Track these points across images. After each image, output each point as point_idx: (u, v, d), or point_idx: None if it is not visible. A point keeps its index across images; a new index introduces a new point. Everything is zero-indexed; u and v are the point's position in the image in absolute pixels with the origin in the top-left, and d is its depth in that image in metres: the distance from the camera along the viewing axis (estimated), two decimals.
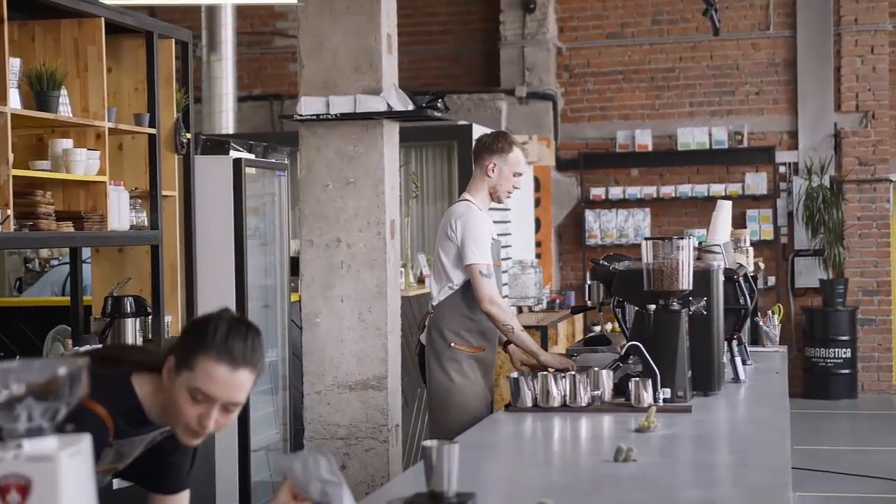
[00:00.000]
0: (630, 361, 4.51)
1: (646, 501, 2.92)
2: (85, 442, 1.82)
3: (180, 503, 2.96)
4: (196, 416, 2.58)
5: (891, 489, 8.31)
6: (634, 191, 12.93)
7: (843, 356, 12.31)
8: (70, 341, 5.47)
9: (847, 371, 12.35)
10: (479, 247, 5.13)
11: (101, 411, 2.60)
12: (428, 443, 2.75)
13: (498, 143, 5.33)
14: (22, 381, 1.78)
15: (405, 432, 7.05)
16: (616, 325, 12.00)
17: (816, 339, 12.37)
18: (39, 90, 4.87)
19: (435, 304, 5.34)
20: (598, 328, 12.04)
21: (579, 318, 11.36)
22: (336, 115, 5.78)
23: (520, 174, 5.35)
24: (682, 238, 4.46)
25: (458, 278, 5.21)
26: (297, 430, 6.62)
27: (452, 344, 5.23)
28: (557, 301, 10.93)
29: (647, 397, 4.21)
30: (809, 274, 12.66)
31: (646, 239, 4.52)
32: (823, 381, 12.33)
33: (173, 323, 5.90)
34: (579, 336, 10.48)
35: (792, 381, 12.42)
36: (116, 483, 4.60)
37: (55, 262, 8.63)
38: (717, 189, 12.66)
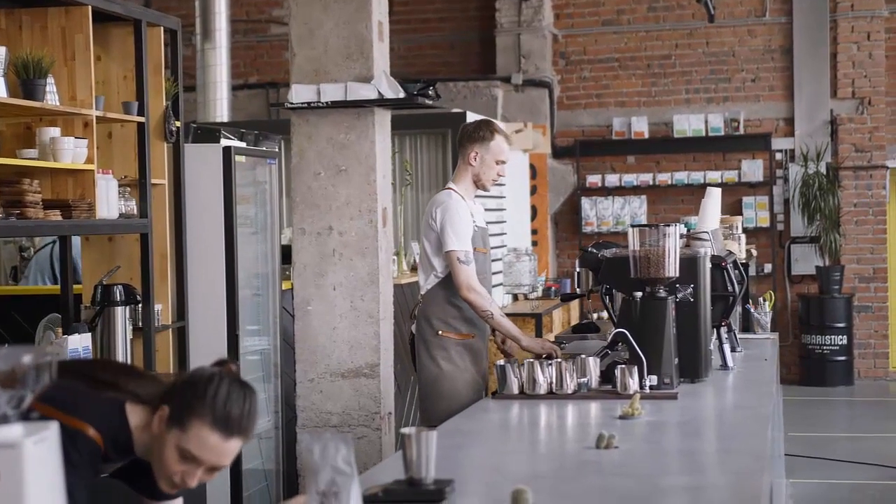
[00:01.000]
0: (618, 348, 4.51)
1: (624, 488, 2.93)
2: (51, 429, 1.82)
3: None
4: (180, 472, 2.61)
5: (886, 476, 8.32)
6: (631, 178, 12.92)
7: (840, 343, 12.32)
8: (60, 329, 5.47)
9: (843, 358, 12.36)
10: (458, 234, 5.15)
11: (93, 434, 2.61)
12: (406, 430, 2.76)
13: (479, 131, 5.33)
14: None
15: (398, 420, 7.05)
16: (606, 312, 12.02)
17: (813, 325, 12.38)
18: (26, 78, 4.86)
19: (422, 293, 5.36)
20: (594, 316, 12.06)
21: (575, 305, 11.37)
22: (327, 102, 5.78)
23: (503, 162, 5.34)
24: (669, 225, 4.46)
25: (441, 267, 5.22)
26: (290, 418, 6.62)
27: (440, 332, 5.24)
28: (553, 289, 10.93)
29: (633, 384, 4.22)
30: (806, 261, 12.66)
31: (632, 226, 4.52)
32: (820, 368, 12.34)
33: (163, 311, 5.90)
34: (574, 323, 10.48)
35: (788, 367, 12.50)
36: None
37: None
38: (714, 176, 12.65)
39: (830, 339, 12.32)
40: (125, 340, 5.51)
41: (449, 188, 5.35)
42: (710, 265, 4.82)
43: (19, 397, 1.79)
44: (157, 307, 5.80)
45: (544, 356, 4.97)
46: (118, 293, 5.49)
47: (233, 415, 2.58)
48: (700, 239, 5.15)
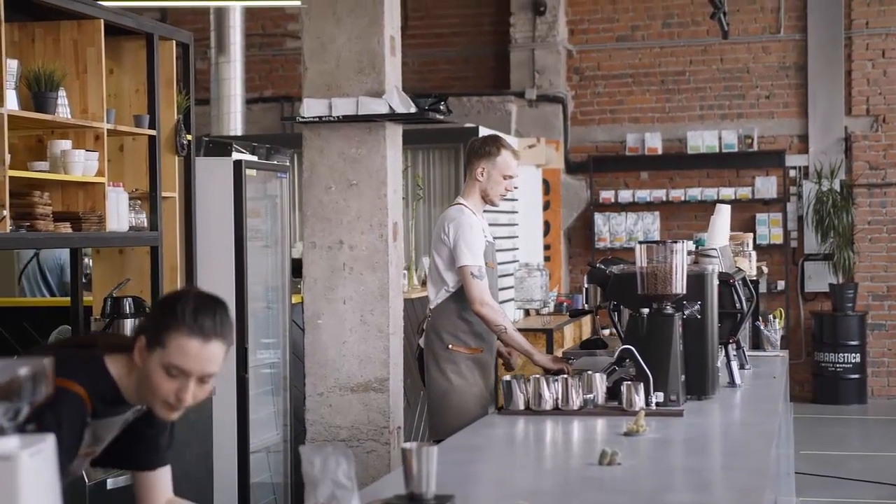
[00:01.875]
0: (625, 365, 4.50)
1: None
2: (47, 442, 1.83)
3: (161, 480, 3.00)
4: (173, 390, 2.67)
5: (892, 494, 8.28)
6: (644, 194, 12.91)
7: (853, 361, 12.27)
8: None
9: (856, 376, 12.31)
10: (471, 249, 5.17)
11: (79, 390, 2.67)
12: (407, 445, 2.76)
13: (486, 146, 5.37)
14: None
15: (407, 434, 7.05)
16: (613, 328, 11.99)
17: (826, 343, 12.33)
18: (37, 91, 4.89)
19: (432, 307, 5.38)
20: (606, 332, 12.03)
21: (587, 321, 11.35)
22: (339, 117, 5.80)
23: (510, 177, 5.37)
24: (677, 242, 4.46)
25: (452, 281, 5.24)
26: (299, 431, 6.63)
27: (450, 346, 5.26)
28: (565, 304, 10.92)
29: (639, 401, 4.21)
30: (819, 278, 12.62)
31: (640, 243, 4.52)
32: (833, 386, 12.29)
33: None
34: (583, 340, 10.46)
35: (801, 385, 12.46)
36: (111, 483, 4.64)
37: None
38: (727, 193, 12.63)
39: (844, 356, 12.27)
40: None
41: (459, 203, 5.37)
42: (719, 282, 4.82)
43: (16, 409, 1.80)
44: None
45: (553, 372, 4.97)
46: (128, 306, 5.51)
47: (206, 320, 2.67)
48: (708, 256, 5.14)
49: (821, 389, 12.39)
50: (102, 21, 5.28)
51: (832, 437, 10.78)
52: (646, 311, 4.43)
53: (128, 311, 5.50)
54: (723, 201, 12.36)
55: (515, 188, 5.60)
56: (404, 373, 6.03)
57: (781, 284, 12.60)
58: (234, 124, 10.74)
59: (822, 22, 12.63)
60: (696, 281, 4.56)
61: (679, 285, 4.42)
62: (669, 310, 4.43)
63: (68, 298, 5.91)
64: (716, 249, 5.21)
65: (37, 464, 1.79)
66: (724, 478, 3.25)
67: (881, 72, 12.59)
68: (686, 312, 4.50)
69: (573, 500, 2.97)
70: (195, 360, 2.66)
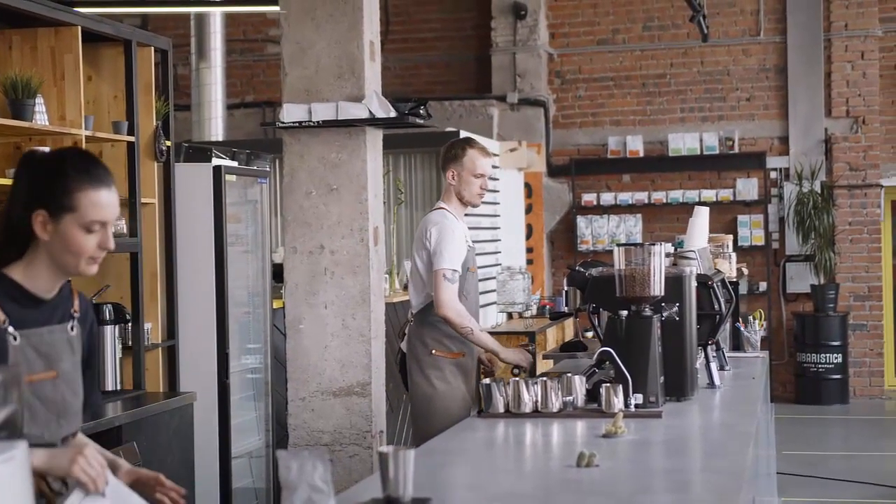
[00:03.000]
0: (604, 367, 4.51)
1: None
2: (19, 449, 1.83)
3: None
4: (95, 244, 2.74)
5: (881, 494, 8.32)
6: (626, 197, 12.95)
7: (835, 361, 12.32)
8: None
9: (838, 376, 12.36)
10: (450, 253, 5.21)
11: None
12: (383, 449, 2.77)
13: (452, 150, 5.46)
14: None
15: (390, 438, 7.06)
16: (592, 331, 12.01)
17: (808, 344, 12.38)
18: (15, 98, 4.89)
19: (414, 311, 5.41)
20: (590, 334, 12.04)
21: (569, 323, 11.37)
22: (318, 122, 5.80)
23: (481, 175, 5.41)
24: (654, 244, 4.47)
25: None
26: (281, 436, 6.63)
27: (433, 351, 5.29)
28: (548, 307, 10.93)
29: (618, 403, 4.22)
30: (801, 279, 12.67)
31: (618, 245, 4.53)
32: (815, 387, 12.33)
33: (153, 330, 5.92)
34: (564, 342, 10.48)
35: (784, 386, 12.50)
36: None
37: None
38: (709, 195, 12.67)
39: (825, 357, 12.32)
40: (115, 359, 5.52)
41: (442, 208, 5.42)
42: (697, 284, 4.83)
43: None
44: (147, 326, 5.82)
45: (521, 367, 5.06)
46: (107, 312, 5.50)
47: (99, 170, 2.76)
48: (686, 258, 5.16)
49: (803, 390, 12.43)
50: (80, 28, 5.27)
51: (814, 438, 10.82)
52: (624, 313, 4.44)
53: (108, 317, 5.49)
54: (704, 203, 12.46)
55: (495, 185, 5.62)
56: (386, 377, 6.03)
57: (763, 286, 12.64)
58: (216, 130, 10.74)
59: (802, 24, 12.68)
60: (675, 283, 4.58)
61: (657, 287, 4.43)
62: (648, 312, 4.44)
63: None
64: (694, 251, 5.23)
65: (8, 470, 1.79)
66: (702, 479, 3.26)
67: (860, 73, 12.65)
68: (664, 314, 4.51)
69: (549, 502, 2.98)
70: (108, 208, 2.74)
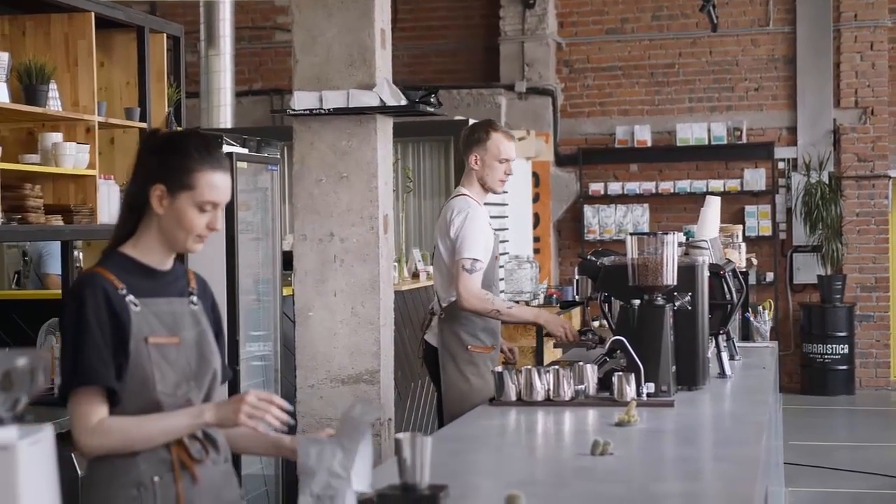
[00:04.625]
0: (616, 356, 4.51)
1: (617, 494, 2.94)
2: (45, 432, 1.84)
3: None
4: (204, 223, 2.85)
5: (887, 485, 8.32)
6: (633, 186, 12.94)
7: (841, 352, 12.32)
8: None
9: (845, 367, 12.36)
10: (473, 243, 5.09)
11: (95, 269, 2.85)
12: (400, 435, 2.78)
13: (475, 133, 5.30)
14: None
15: (398, 426, 7.06)
16: (603, 319, 12.02)
17: (814, 334, 12.38)
18: (28, 84, 4.89)
19: (444, 304, 5.26)
20: (596, 323, 12.05)
21: (577, 312, 11.38)
22: (329, 109, 5.80)
23: (505, 160, 5.27)
24: (667, 234, 4.47)
25: None
26: (290, 424, 6.63)
27: (469, 346, 5.18)
28: (555, 296, 10.93)
29: (630, 392, 4.22)
30: (808, 270, 12.67)
31: (630, 234, 4.53)
32: (821, 377, 12.34)
33: None
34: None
35: (790, 376, 12.50)
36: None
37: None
38: (716, 185, 12.67)
39: (832, 348, 12.32)
40: None
41: (464, 194, 5.29)
42: (709, 273, 4.83)
43: (14, 400, 1.81)
44: None
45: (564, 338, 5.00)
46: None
47: (217, 153, 2.87)
48: (699, 247, 5.16)
49: (809, 380, 12.44)
50: (93, 14, 5.28)
51: (820, 428, 10.83)
52: (637, 302, 4.44)
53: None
54: (712, 193, 12.44)
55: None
56: (395, 365, 6.03)
57: (770, 276, 12.64)
58: (224, 117, 10.73)
59: (811, 14, 12.66)
60: (687, 272, 4.58)
61: (670, 276, 4.43)
62: (660, 301, 4.45)
63: (59, 291, 5.91)
64: (706, 241, 5.23)
65: (35, 453, 1.80)
66: (717, 468, 3.26)
67: (869, 64, 12.63)
68: (677, 304, 4.51)
69: (566, 490, 2.99)
70: (223, 191, 2.86)
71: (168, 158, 2.84)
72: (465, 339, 5.19)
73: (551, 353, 9.03)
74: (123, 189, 2.94)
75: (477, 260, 5.12)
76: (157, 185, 2.82)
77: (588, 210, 13.03)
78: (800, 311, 12.66)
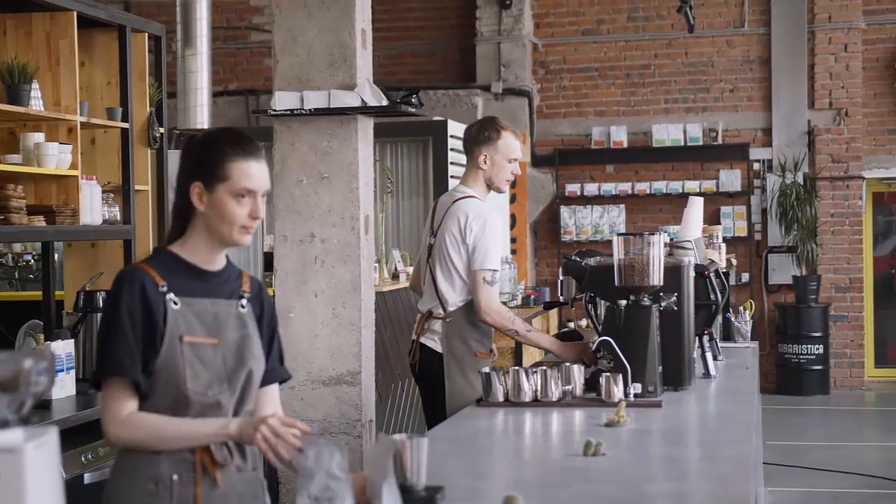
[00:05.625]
0: (601, 356, 4.52)
1: (613, 495, 2.94)
2: (51, 434, 1.82)
3: (272, 396, 3.12)
4: (246, 213, 2.89)
5: (862, 484, 8.38)
6: (609, 187, 12.97)
7: (816, 352, 12.39)
8: (42, 336, 5.45)
9: (819, 367, 12.43)
10: (491, 253, 4.94)
11: (139, 265, 2.90)
12: (398, 437, 2.77)
13: (484, 131, 5.11)
14: None
15: (379, 427, 7.05)
16: (589, 320, 12.03)
17: (789, 335, 12.44)
18: (11, 84, 4.85)
19: (450, 308, 5.07)
20: (571, 324, 12.07)
21: (553, 313, 11.39)
22: (310, 110, 5.78)
23: (514, 159, 5.12)
24: (654, 234, 4.48)
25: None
26: None
27: (477, 353, 5.05)
28: (532, 297, 10.94)
29: (618, 392, 4.23)
30: (783, 270, 12.73)
31: (617, 235, 4.53)
32: (796, 377, 12.41)
33: None
34: (554, 332, 10.49)
35: (765, 376, 12.54)
36: (88, 477, 4.61)
37: (28, 257, 8.60)
38: (692, 186, 12.72)
39: (807, 348, 12.39)
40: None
41: (471, 196, 5.10)
42: (694, 274, 4.84)
43: (20, 402, 1.79)
44: None
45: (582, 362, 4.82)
46: (101, 300, 5.47)
47: (248, 144, 2.92)
48: (683, 248, 5.17)
49: (784, 380, 12.50)
50: (75, 13, 5.24)
51: (796, 428, 10.88)
52: (623, 302, 4.45)
53: (101, 304, 5.45)
54: (689, 194, 12.47)
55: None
56: (375, 366, 6.02)
57: (746, 277, 12.69)
58: (201, 117, 10.66)
59: (786, 16, 12.73)
60: (673, 273, 4.59)
61: (656, 277, 4.44)
62: (647, 301, 4.45)
63: (40, 293, 5.87)
64: (690, 241, 5.24)
65: (41, 456, 1.79)
66: (709, 468, 3.27)
67: (843, 66, 12.70)
68: (663, 304, 4.52)
69: (561, 491, 2.98)
70: (258, 179, 2.90)
71: (202, 156, 2.92)
72: (472, 345, 5.05)
73: (530, 353, 9.04)
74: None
75: (496, 271, 4.98)
76: (195, 184, 2.89)
77: (564, 211, 13.05)
78: (775, 311, 12.72)
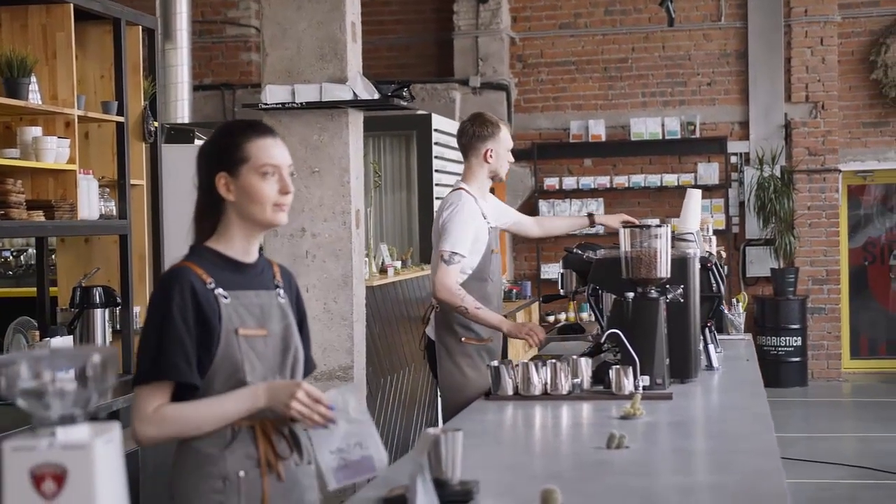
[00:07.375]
0: (606, 349, 4.51)
1: (647, 487, 2.93)
2: (115, 430, 1.80)
3: None
4: (275, 190, 2.87)
5: (841, 475, 8.43)
6: (588, 181, 12.98)
7: (794, 344, 12.46)
8: (37, 333, 5.39)
9: (797, 359, 12.50)
10: (454, 235, 5.05)
11: (184, 264, 2.88)
12: (433, 430, 2.75)
13: (487, 128, 5.27)
14: (54, 368, 1.76)
15: None
16: (574, 313, 12.03)
17: (767, 327, 12.51)
18: (9, 77, 4.79)
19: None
20: (551, 318, 12.09)
21: (535, 307, 11.41)
22: (302, 103, 5.75)
23: (510, 148, 5.39)
24: (660, 226, 4.48)
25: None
26: None
27: (463, 339, 5.16)
28: (514, 291, 10.96)
29: (628, 385, 4.23)
30: (760, 263, 12.79)
31: (624, 226, 4.53)
32: (774, 369, 12.46)
33: (142, 313, 5.84)
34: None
35: None
36: None
37: (7, 254, 8.52)
38: (670, 179, 12.75)
39: (785, 340, 12.46)
40: (104, 343, 5.44)
41: (461, 188, 5.25)
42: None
43: (87, 398, 1.76)
44: (136, 309, 5.74)
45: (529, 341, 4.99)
46: (97, 295, 5.42)
47: (259, 125, 2.95)
48: (685, 240, 5.17)
49: (763, 372, 12.45)
50: (72, 5, 5.18)
51: (775, 420, 10.82)
52: (630, 295, 4.44)
53: (98, 300, 5.40)
54: (666, 188, 12.55)
55: (457, 169, 5.53)
56: (366, 361, 6.00)
57: (725, 269, 12.73)
58: (182, 112, 10.60)
59: (763, 10, 12.78)
60: (679, 265, 4.59)
61: (663, 269, 4.44)
62: (654, 294, 4.45)
63: (34, 289, 5.81)
64: (692, 233, 5.25)
65: (109, 451, 1.76)
66: (735, 460, 3.25)
67: (820, 59, 12.77)
68: (669, 296, 4.52)
69: (595, 484, 2.97)
70: (277, 151, 2.89)
71: (219, 148, 2.91)
72: (458, 331, 5.16)
73: (515, 348, 9.04)
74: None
75: (456, 253, 5.06)
76: (220, 175, 2.87)
77: (543, 205, 13.05)
78: (753, 303, 12.78)
